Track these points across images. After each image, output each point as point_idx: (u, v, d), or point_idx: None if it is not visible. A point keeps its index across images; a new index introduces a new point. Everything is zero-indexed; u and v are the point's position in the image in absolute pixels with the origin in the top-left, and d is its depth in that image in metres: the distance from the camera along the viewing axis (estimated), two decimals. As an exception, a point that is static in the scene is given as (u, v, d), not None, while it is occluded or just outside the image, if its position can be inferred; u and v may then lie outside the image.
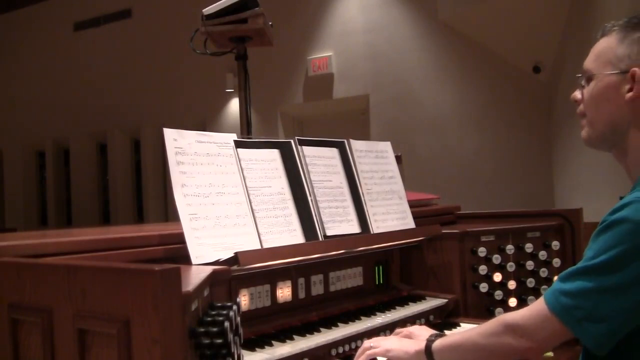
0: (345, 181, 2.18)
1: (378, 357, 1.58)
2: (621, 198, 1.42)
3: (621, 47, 1.37)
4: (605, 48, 1.41)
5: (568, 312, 1.24)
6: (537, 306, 1.31)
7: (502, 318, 1.37)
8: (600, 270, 1.22)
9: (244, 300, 1.82)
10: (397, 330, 1.74)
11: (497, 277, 2.31)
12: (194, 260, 1.57)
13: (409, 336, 1.67)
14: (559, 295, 1.26)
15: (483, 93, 6.98)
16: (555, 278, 1.35)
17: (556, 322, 1.26)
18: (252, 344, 1.66)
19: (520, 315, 1.34)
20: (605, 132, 1.42)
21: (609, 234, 1.24)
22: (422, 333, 1.66)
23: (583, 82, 1.47)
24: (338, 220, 2.06)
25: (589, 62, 1.45)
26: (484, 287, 2.30)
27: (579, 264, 1.28)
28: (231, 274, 1.63)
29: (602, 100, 1.41)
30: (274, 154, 1.98)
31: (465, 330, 1.48)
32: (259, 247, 1.75)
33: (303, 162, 2.03)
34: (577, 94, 1.49)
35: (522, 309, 1.36)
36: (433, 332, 1.69)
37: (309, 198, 1.99)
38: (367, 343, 1.60)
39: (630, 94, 1.36)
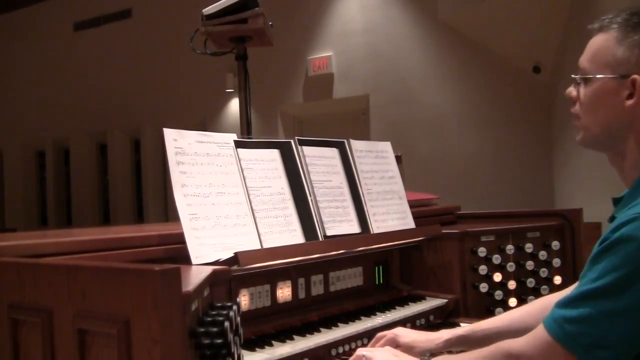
0: (345, 181, 2.18)
1: None
2: (614, 199, 1.37)
3: (620, 49, 1.28)
4: (603, 48, 1.31)
5: (574, 340, 1.17)
6: (538, 334, 1.24)
7: (502, 346, 1.31)
8: (606, 294, 1.15)
9: (244, 300, 1.82)
10: (379, 334, 1.67)
11: (497, 277, 2.31)
12: (194, 260, 1.57)
13: (393, 340, 1.62)
14: (563, 323, 1.19)
15: (483, 93, 6.98)
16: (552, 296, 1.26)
17: (561, 350, 1.19)
18: (252, 344, 1.66)
19: (522, 344, 1.27)
20: (602, 136, 1.34)
21: (614, 253, 1.15)
22: (405, 334, 1.64)
23: (578, 80, 1.37)
24: (338, 220, 2.06)
25: (585, 61, 1.35)
26: (484, 287, 2.30)
27: (581, 288, 1.20)
28: (231, 274, 1.62)
29: (599, 105, 1.32)
30: (274, 154, 1.98)
31: (463, 355, 1.44)
32: (259, 247, 1.75)
33: (303, 162, 2.03)
34: (573, 91, 1.39)
35: (521, 337, 1.29)
36: (417, 332, 1.66)
37: (309, 198, 1.98)
38: (360, 351, 1.52)
39: (630, 101, 1.27)
